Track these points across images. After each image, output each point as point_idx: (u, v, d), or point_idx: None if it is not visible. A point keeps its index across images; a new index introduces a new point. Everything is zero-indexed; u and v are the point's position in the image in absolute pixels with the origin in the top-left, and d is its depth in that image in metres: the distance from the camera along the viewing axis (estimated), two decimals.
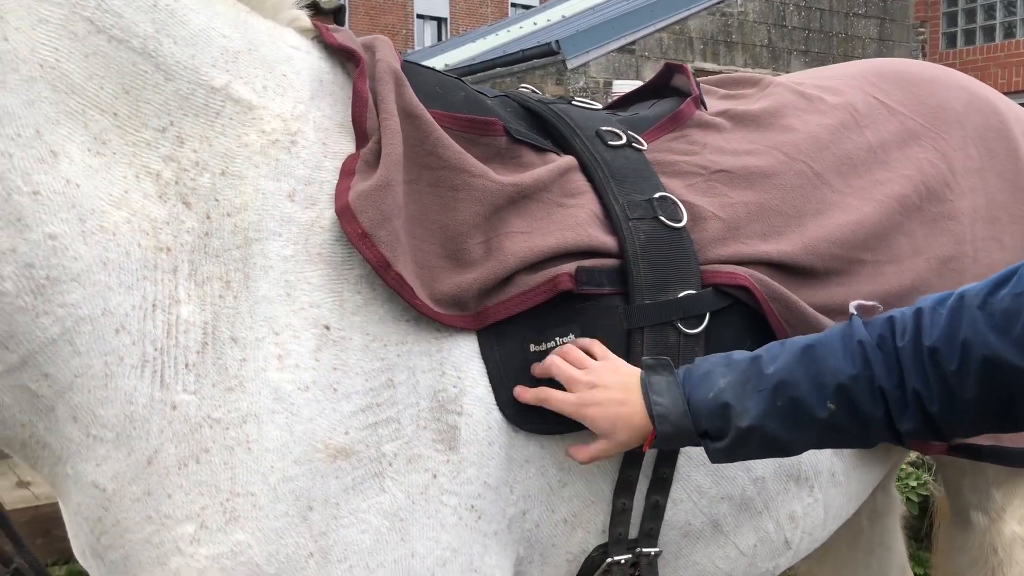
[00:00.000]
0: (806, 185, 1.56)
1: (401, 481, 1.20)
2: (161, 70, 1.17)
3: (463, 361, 1.27)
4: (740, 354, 1.29)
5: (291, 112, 1.26)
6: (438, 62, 13.10)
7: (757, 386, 1.23)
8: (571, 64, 9.21)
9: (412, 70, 1.41)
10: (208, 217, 1.17)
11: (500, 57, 10.34)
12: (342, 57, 1.36)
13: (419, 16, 27.65)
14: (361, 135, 1.29)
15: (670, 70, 1.74)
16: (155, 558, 1.14)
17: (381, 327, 1.22)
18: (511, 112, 1.49)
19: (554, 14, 12.63)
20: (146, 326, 1.13)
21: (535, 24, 12.73)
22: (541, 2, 21.10)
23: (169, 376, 1.13)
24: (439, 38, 27.49)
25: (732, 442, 1.23)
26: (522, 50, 10.03)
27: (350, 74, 1.35)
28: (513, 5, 28.81)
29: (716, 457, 1.28)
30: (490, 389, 1.28)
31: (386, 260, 1.18)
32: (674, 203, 1.43)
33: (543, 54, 9.43)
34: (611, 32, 9.51)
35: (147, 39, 1.16)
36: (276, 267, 1.19)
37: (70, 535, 1.27)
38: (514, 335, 1.29)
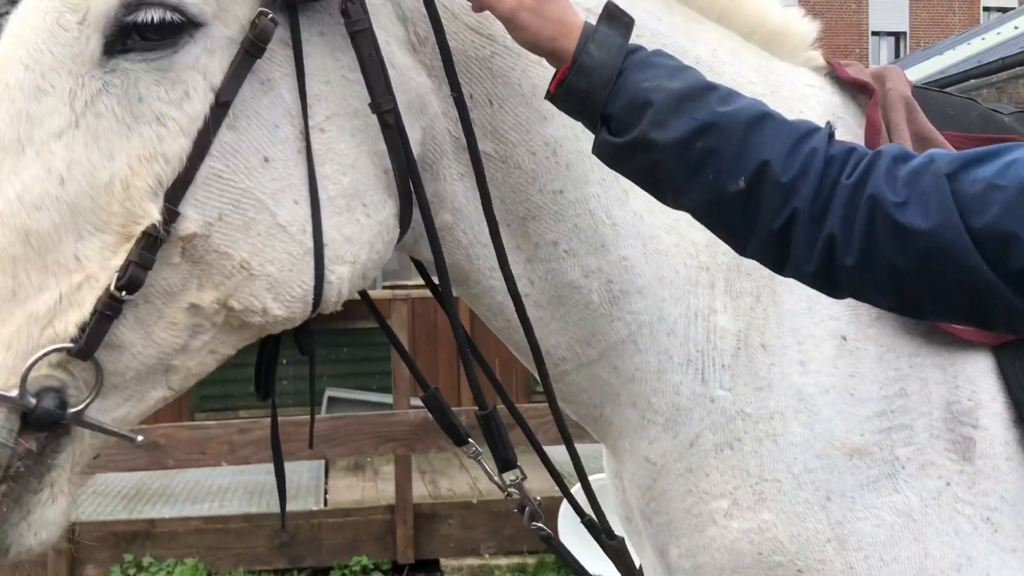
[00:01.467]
0: None
1: (914, 484, 1.27)
2: None
3: (978, 375, 1.30)
4: (698, 78, 1.11)
5: None
6: None
7: (692, 111, 1.06)
8: None
9: (923, 95, 1.48)
10: None
11: (973, 68, 9.49)
12: (854, 90, 1.48)
13: (874, 33, 26.30)
14: None
15: None
16: (694, 526, 1.36)
17: (894, 339, 1.31)
18: None
19: None
20: (690, 331, 1.35)
21: (1016, 28, 11.43)
22: (1021, 3, 18.82)
23: (709, 374, 1.34)
24: (896, 54, 25.83)
25: (627, 144, 1.08)
26: (1001, 58, 9.10)
27: (862, 105, 1.46)
28: (986, 9, 26.07)
29: (600, 148, 1.12)
30: (1008, 404, 1.29)
31: None
32: None
33: None
34: None
35: None
36: (798, 284, 1.34)
37: (618, 501, 1.55)
38: None
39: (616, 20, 1.14)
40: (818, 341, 1.32)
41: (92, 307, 0.99)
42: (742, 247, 1.10)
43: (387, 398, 6.90)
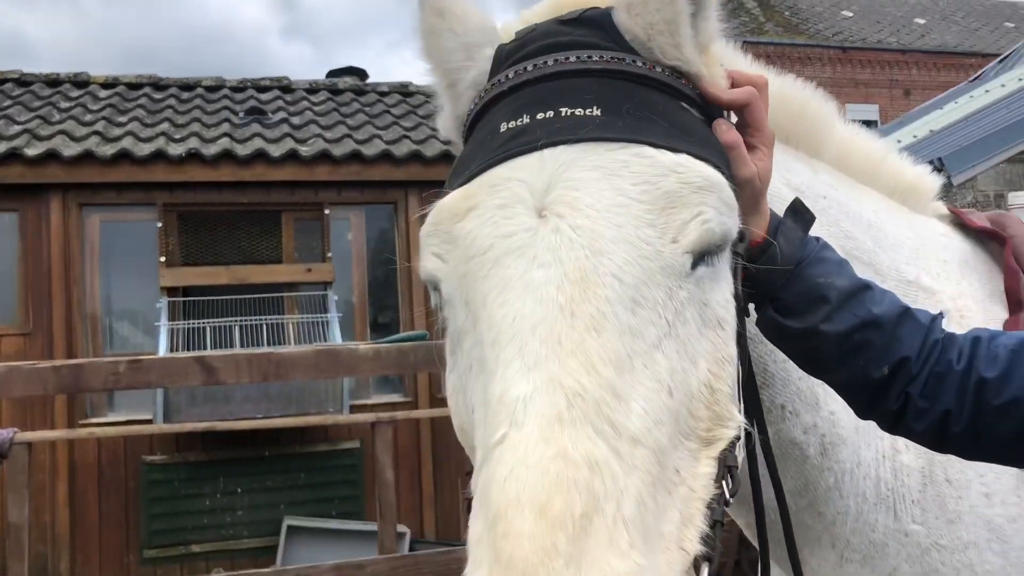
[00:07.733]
0: None
1: None
2: (879, 274, 1.53)
3: None
4: (855, 275, 1.23)
5: (955, 291, 1.56)
6: None
7: (855, 309, 1.18)
8: (957, 180, 8.93)
9: None
10: None
11: None
12: (982, 236, 1.64)
13: None
14: (1015, 303, 1.54)
15: None
16: None
17: None
18: None
19: (919, 129, 12.27)
20: (880, 472, 1.44)
21: (899, 142, 12.43)
22: (882, 123, 19.98)
23: (900, 510, 1.43)
24: None
25: (799, 331, 1.18)
26: None
27: (992, 252, 1.61)
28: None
29: (767, 324, 1.22)
30: None
31: None
32: None
33: None
34: (998, 143, 9.12)
35: (870, 252, 1.53)
36: None
37: None
38: None
39: (799, 216, 1.24)
40: (998, 473, 1.43)
41: (703, 520, 0.94)
42: (863, 414, 1.25)
43: (349, 525, 6.64)
